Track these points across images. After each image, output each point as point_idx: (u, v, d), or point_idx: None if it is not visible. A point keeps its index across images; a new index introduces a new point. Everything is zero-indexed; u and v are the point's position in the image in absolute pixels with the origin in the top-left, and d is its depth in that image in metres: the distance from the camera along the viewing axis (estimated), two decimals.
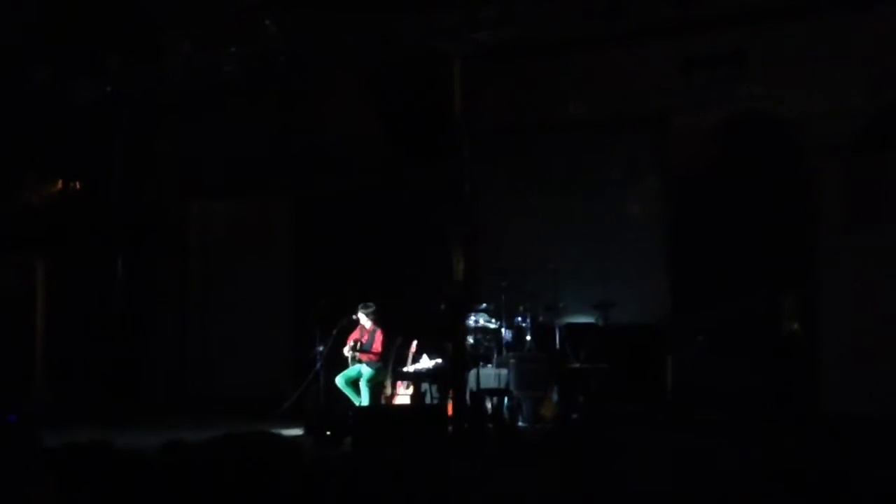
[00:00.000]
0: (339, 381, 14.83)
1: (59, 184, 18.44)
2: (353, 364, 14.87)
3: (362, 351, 14.81)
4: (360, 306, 14.96)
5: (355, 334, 14.98)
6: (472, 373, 14.07)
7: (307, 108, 17.49)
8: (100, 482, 7.08)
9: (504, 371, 14.46)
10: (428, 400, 14.48)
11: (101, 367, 18.11)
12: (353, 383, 14.83)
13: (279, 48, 15.41)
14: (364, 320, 14.96)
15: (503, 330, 14.87)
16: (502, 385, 14.31)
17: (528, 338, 14.85)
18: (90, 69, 16.69)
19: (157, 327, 19.24)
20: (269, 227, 18.69)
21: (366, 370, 14.75)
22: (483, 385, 14.07)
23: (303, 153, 17.94)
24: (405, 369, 14.59)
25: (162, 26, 17.38)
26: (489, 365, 14.65)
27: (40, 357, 18.25)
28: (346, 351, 14.86)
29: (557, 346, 14.85)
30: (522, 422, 14.27)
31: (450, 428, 12.96)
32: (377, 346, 14.81)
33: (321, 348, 14.58)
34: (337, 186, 17.52)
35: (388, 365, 14.75)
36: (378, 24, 14.96)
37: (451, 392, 13.63)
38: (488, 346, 14.82)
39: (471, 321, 14.67)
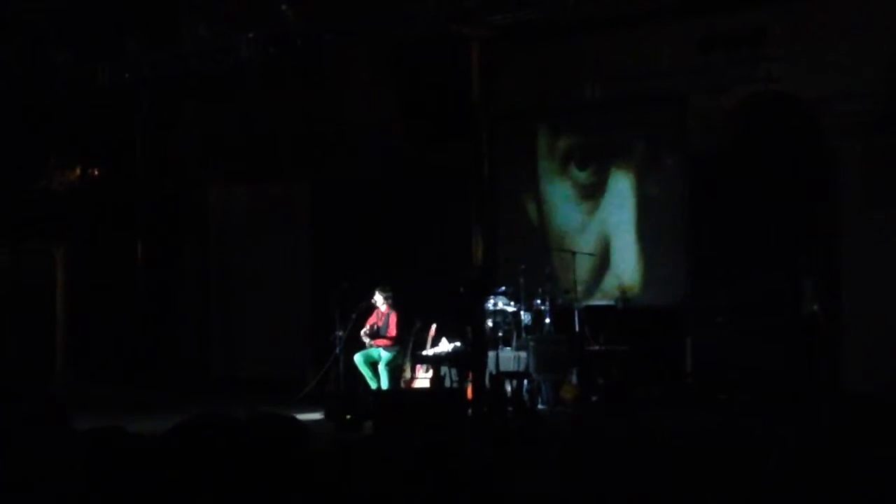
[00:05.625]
0: (358, 358, 14.87)
1: (79, 170, 18.52)
2: (370, 348, 14.92)
3: (377, 337, 14.86)
4: (377, 289, 15.01)
5: (373, 318, 15.03)
6: (492, 356, 14.07)
7: (325, 92, 17.47)
8: (120, 467, 7.10)
9: (523, 354, 14.48)
10: (447, 383, 14.50)
11: (123, 351, 18.20)
12: (372, 364, 14.87)
13: (296, 32, 15.41)
14: (380, 304, 15.00)
15: (522, 313, 14.87)
16: (522, 368, 14.33)
17: (547, 321, 14.85)
18: (110, 54, 16.71)
19: (178, 312, 19.33)
20: (288, 210, 18.71)
21: (384, 354, 14.80)
22: (502, 368, 14.06)
23: (322, 137, 17.95)
24: (424, 353, 14.59)
25: (180, 10, 17.38)
26: (508, 348, 14.67)
27: (61, 343, 18.34)
28: (363, 335, 14.91)
29: (577, 329, 14.84)
30: (542, 405, 14.29)
31: (469, 411, 13.00)
32: (391, 330, 14.85)
33: (340, 333, 14.64)
34: (356, 170, 17.52)
35: (407, 349, 14.76)
36: (396, 7, 14.93)
37: (470, 375, 13.64)
38: (507, 329, 14.82)
39: (490, 304, 14.66)
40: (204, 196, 19.45)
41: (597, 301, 15.79)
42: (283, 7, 15.04)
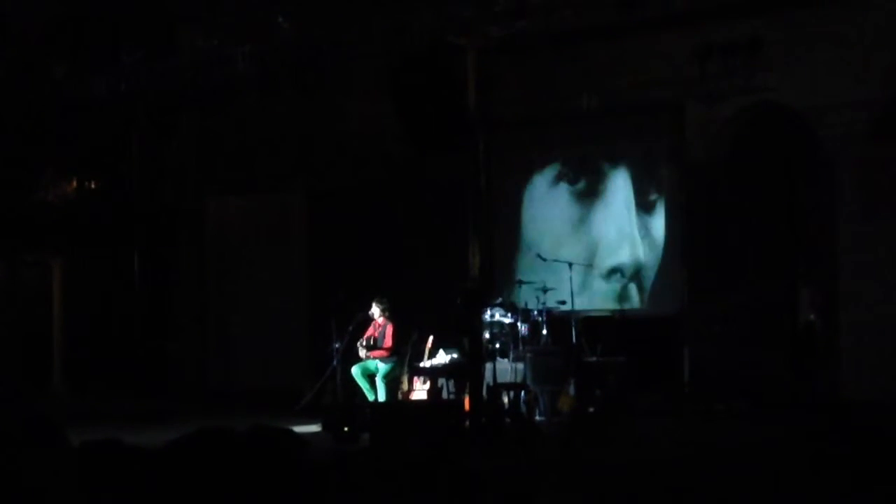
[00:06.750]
0: (356, 371, 14.85)
1: (76, 182, 18.52)
2: (367, 360, 14.90)
3: (374, 348, 14.84)
4: (374, 301, 14.99)
5: (370, 330, 15.01)
6: (489, 367, 14.06)
7: (322, 104, 17.49)
8: (117, 480, 7.09)
9: (520, 365, 14.44)
10: (445, 395, 14.48)
11: (120, 363, 18.18)
12: (370, 376, 14.86)
13: (293, 44, 15.42)
14: (377, 315, 14.98)
15: (519, 324, 14.84)
16: (519, 379, 14.30)
17: (544, 332, 14.83)
18: (107, 66, 16.72)
19: (175, 324, 19.30)
20: (285, 222, 18.73)
21: (382, 366, 14.77)
22: (500, 380, 14.05)
23: (318, 148, 17.96)
24: (422, 365, 14.58)
25: (177, 22, 17.40)
26: (506, 359, 14.64)
27: (58, 355, 18.33)
28: (359, 346, 14.89)
29: (574, 340, 14.83)
30: (539, 416, 14.26)
31: (467, 423, 12.98)
32: (388, 341, 14.83)
33: (337, 344, 14.62)
34: (353, 181, 17.52)
35: (405, 360, 14.75)
36: (392, 19, 14.94)
37: (467, 387, 13.62)
38: (504, 340, 14.79)
39: (487, 316, 14.64)
40: (201, 208, 19.45)
41: (593, 312, 15.78)
42: (280, 19, 15.06)
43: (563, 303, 15.03)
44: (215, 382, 18.81)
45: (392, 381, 14.75)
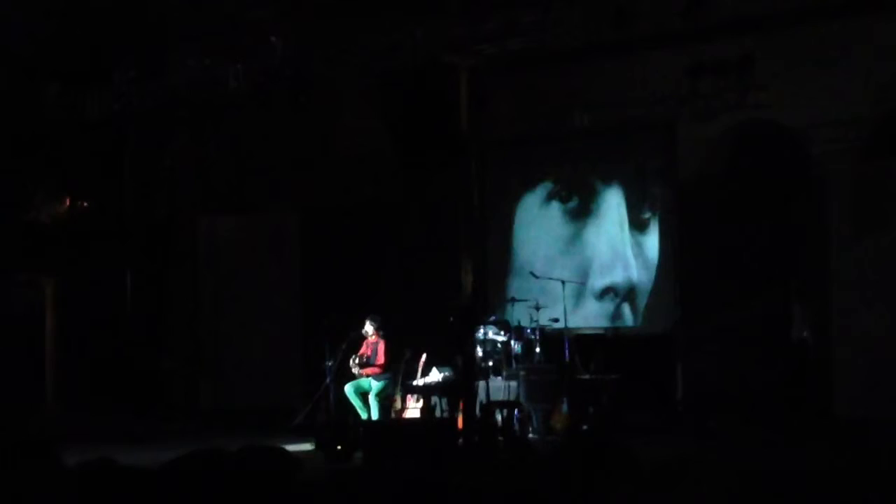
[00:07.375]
0: (349, 389, 14.85)
1: (68, 201, 18.48)
2: (360, 378, 14.88)
3: (366, 366, 14.83)
4: (367, 319, 14.99)
5: (363, 349, 15.00)
6: (482, 385, 14.05)
7: (315, 121, 17.50)
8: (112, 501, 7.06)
9: (514, 383, 14.43)
10: (438, 413, 14.46)
11: (113, 382, 18.13)
12: (363, 395, 14.85)
13: (285, 62, 15.43)
14: (370, 333, 14.98)
15: (512, 342, 14.84)
16: (512, 397, 14.29)
17: (538, 349, 14.82)
18: (99, 84, 16.73)
19: (167, 342, 19.26)
20: (278, 239, 18.68)
21: (375, 384, 14.77)
22: (493, 398, 14.04)
23: (311, 166, 17.95)
24: (415, 383, 14.57)
25: (169, 41, 17.42)
26: (499, 377, 14.62)
27: (51, 375, 18.28)
28: (352, 364, 14.87)
29: (567, 358, 14.81)
30: (533, 434, 14.25)
31: (460, 441, 12.96)
32: (380, 357, 14.83)
33: (330, 363, 14.61)
34: (345, 198, 17.52)
35: (398, 379, 14.74)
36: (384, 37, 14.96)
37: (461, 405, 13.61)
38: (497, 358, 14.78)
39: (479, 333, 14.64)
40: (194, 226, 19.40)
41: (587, 329, 15.77)
42: (272, 38, 15.07)
43: (556, 320, 15.02)
44: (208, 400, 18.76)
45: (385, 400, 14.74)
